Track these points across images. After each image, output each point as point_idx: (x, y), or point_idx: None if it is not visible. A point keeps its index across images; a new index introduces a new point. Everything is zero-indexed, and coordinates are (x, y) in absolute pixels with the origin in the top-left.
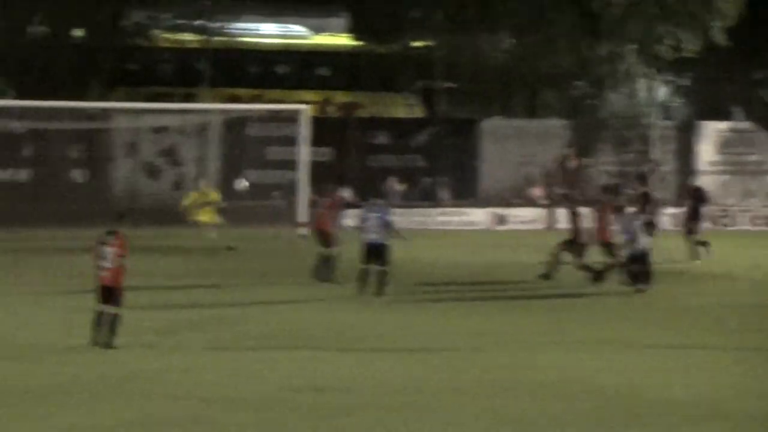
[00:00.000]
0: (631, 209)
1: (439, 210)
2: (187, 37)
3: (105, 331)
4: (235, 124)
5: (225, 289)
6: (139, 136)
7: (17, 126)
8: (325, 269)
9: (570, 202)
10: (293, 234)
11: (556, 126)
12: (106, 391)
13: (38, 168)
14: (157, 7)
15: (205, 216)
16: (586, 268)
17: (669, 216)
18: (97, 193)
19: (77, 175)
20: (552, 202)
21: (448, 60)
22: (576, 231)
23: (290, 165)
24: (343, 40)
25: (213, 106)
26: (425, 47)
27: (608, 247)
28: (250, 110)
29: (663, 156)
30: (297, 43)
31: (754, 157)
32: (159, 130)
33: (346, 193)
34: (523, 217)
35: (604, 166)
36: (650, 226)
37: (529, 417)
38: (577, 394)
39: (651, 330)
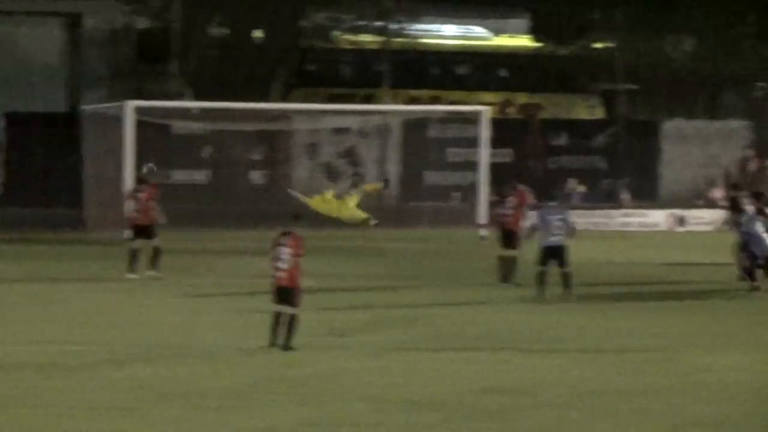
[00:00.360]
0: None
1: (620, 211)
2: (367, 38)
3: (283, 332)
4: (415, 126)
5: (401, 291)
6: (318, 138)
7: (197, 127)
8: (506, 270)
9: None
10: (473, 235)
11: (738, 127)
12: (282, 393)
13: (217, 169)
14: (338, 9)
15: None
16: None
17: None
18: (275, 195)
19: (256, 176)
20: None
21: (629, 61)
22: None
23: (470, 166)
24: (523, 41)
25: (393, 108)
26: (606, 48)
27: None
28: (430, 111)
29: None
30: (477, 45)
31: None
32: (339, 132)
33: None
34: (704, 218)
35: None
36: None
37: (709, 420)
38: (762, 397)
39: None
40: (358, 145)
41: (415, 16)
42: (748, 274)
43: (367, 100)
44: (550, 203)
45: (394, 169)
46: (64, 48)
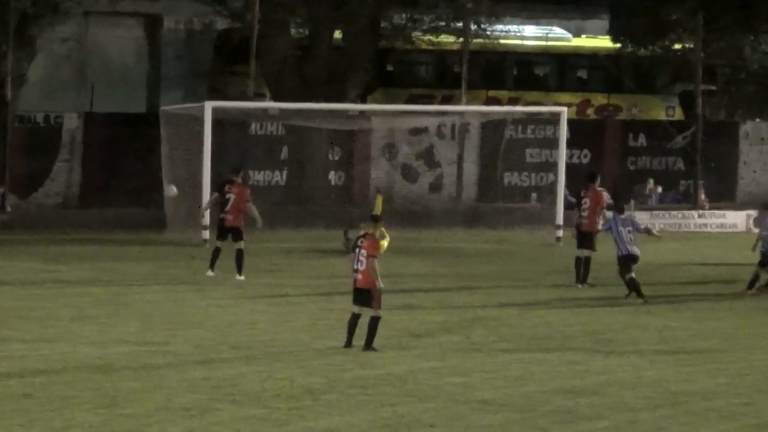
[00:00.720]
0: None
1: (697, 212)
2: (447, 38)
3: (365, 333)
4: (493, 126)
5: (477, 292)
6: (396, 138)
7: (275, 127)
8: (581, 271)
9: None
10: (550, 236)
11: None
12: (359, 393)
13: (295, 169)
14: (417, 9)
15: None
16: None
17: None
18: (352, 195)
19: (333, 176)
20: None
21: (707, 62)
22: None
23: (548, 167)
24: (603, 42)
25: (471, 108)
26: (685, 49)
27: None
28: (508, 112)
29: None
30: (557, 45)
31: None
32: (416, 132)
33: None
34: None
35: None
36: None
37: None
38: None
39: None
40: (436, 145)
41: (495, 17)
42: None
43: (446, 100)
44: (620, 216)
45: (471, 169)
46: (144, 48)
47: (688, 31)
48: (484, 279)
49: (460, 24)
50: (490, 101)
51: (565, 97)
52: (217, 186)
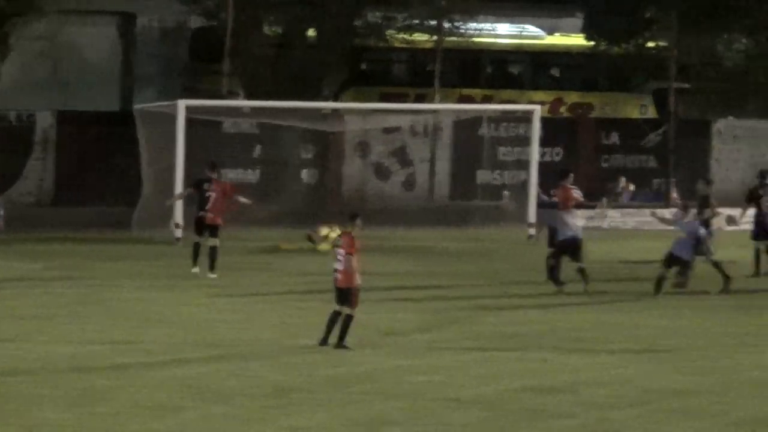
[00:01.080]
0: None
1: (669, 211)
2: (421, 37)
3: (338, 331)
4: (466, 125)
5: (450, 290)
6: (369, 137)
7: (248, 126)
8: (552, 269)
9: None
10: (523, 234)
11: None
12: (329, 392)
13: (268, 168)
14: (391, 7)
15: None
16: None
17: None
18: (325, 194)
19: (306, 175)
20: None
21: (681, 60)
22: None
23: (521, 165)
24: (576, 40)
25: (445, 106)
26: (659, 48)
27: None
28: (482, 110)
29: None
30: (530, 43)
31: None
32: (390, 131)
33: (576, 192)
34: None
35: None
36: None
37: (758, 418)
38: None
39: None
40: (409, 144)
41: (469, 15)
42: None
43: (420, 99)
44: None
45: (444, 168)
46: (118, 47)
47: (662, 29)
48: (456, 277)
49: (434, 22)
50: (463, 99)
51: (539, 95)
52: (194, 183)
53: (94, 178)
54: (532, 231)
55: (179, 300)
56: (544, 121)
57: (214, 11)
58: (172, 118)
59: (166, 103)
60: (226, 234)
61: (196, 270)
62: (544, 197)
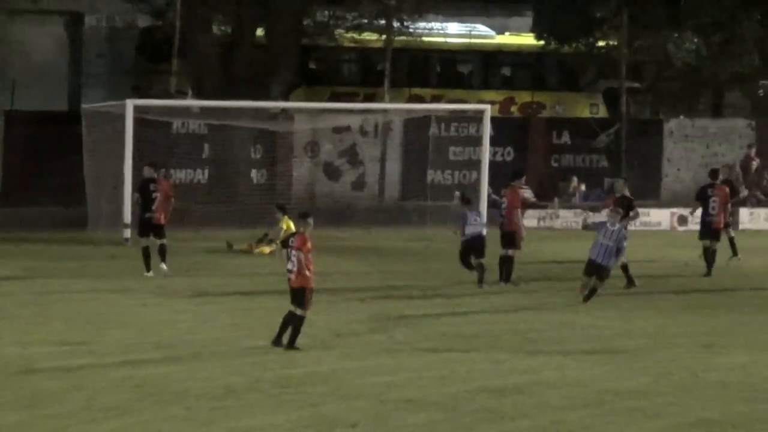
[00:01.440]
0: None
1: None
2: (370, 36)
3: (290, 331)
4: (417, 124)
5: (401, 290)
6: (319, 136)
7: (197, 126)
8: (504, 270)
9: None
10: None
11: (741, 126)
12: (282, 392)
13: (217, 168)
14: (340, 7)
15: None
16: None
17: None
18: (275, 194)
19: (256, 175)
20: (735, 203)
21: (632, 60)
22: None
23: (472, 165)
24: (526, 39)
25: (394, 106)
26: (609, 47)
27: None
28: (432, 110)
29: None
30: (480, 43)
31: None
32: (339, 131)
33: (528, 193)
34: None
35: None
36: None
37: (710, 420)
38: (760, 395)
39: None
40: (359, 143)
41: (418, 14)
42: None
43: (369, 98)
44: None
45: (394, 167)
46: (66, 46)
47: (612, 28)
48: (407, 278)
49: (384, 21)
50: (413, 99)
51: (489, 94)
52: (139, 186)
53: (43, 178)
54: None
55: (132, 301)
56: (495, 120)
57: (163, 10)
58: (120, 118)
59: (114, 102)
60: (177, 235)
61: (150, 275)
62: (496, 197)
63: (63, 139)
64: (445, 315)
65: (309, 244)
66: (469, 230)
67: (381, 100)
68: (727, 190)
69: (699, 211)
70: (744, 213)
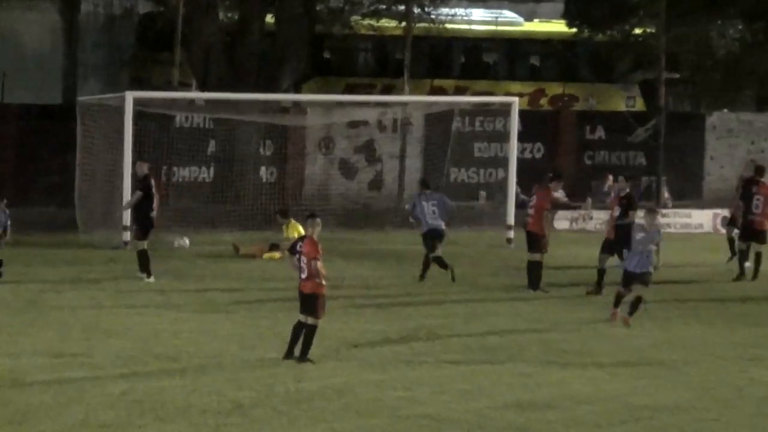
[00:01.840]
0: None
1: (660, 211)
2: (388, 23)
3: (302, 342)
4: (438, 119)
5: (422, 297)
6: (333, 132)
7: (202, 120)
8: (531, 277)
9: None
10: (500, 237)
11: None
12: (293, 408)
13: (223, 165)
14: None
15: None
16: None
17: None
18: (286, 193)
19: (265, 173)
20: None
21: (671, 49)
22: None
23: (499, 162)
24: (557, 26)
25: (415, 99)
26: (646, 35)
27: None
28: (455, 103)
29: None
30: (507, 30)
31: None
32: (355, 125)
33: (559, 193)
34: None
35: None
36: None
37: None
38: None
39: None
40: (377, 139)
41: (440, 0)
42: None
43: (387, 90)
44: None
45: (415, 165)
46: (60, 35)
47: (650, 15)
48: (428, 284)
49: (403, 7)
50: (434, 91)
51: (517, 86)
52: (143, 185)
53: (34, 176)
54: (511, 234)
55: (131, 309)
56: (523, 114)
57: None
58: (119, 112)
59: (112, 95)
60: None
61: (151, 280)
62: (524, 197)
63: (57, 134)
64: (469, 324)
65: (319, 248)
66: (430, 222)
67: (400, 92)
68: None
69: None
70: None
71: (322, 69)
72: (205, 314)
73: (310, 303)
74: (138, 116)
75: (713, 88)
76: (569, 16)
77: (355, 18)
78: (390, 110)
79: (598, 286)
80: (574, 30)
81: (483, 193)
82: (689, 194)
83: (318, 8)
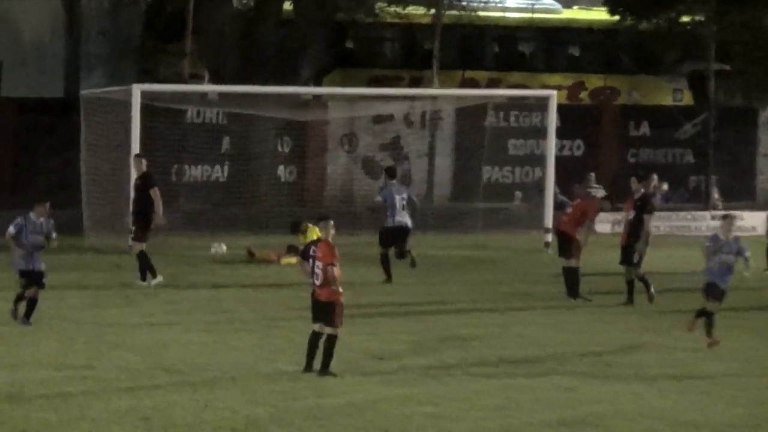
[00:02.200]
0: None
1: (710, 213)
2: (415, 10)
3: (322, 354)
4: (470, 113)
5: (452, 306)
6: (356, 127)
7: (214, 115)
8: (569, 284)
9: None
10: (538, 241)
11: None
12: (312, 425)
13: (237, 164)
14: None
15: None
16: None
17: None
18: (305, 193)
19: (283, 172)
20: None
21: (721, 38)
22: None
23: (535, 160)
24: (598, 14)
25: (444, 92)
26: (695, 23)
27: None
28: (488, 96)
29: None
30: (545, 18)
31: None
32: (380, 120)
33: (600, 193)
34: None
35: None
36: None
37: None
38: None
39: None
40: (403, 135)
41: None
42: None
43: (415, 83)
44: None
45: (445, 163)
46: (61, 23)
47: (699, 1)
48: (459, 291)
49: None
50: (466, 84)
51: (555, 78)
52: (145, 181)
53: (34, 174)
54: (549, 237)
55: (138, 318)
56: (562, 108)
57: None
58: (125, 106)
59: (118, 88)
60: (191, 242)
61: (160, 279)
62: (564, 198)
63: (58, 129)
64: (504, 334)
65: (336, 252)
66: (398, 218)
67: (429, 85)
68: None
69: None
70: None
71: (344, 60)
72: (218, 324)
73: (327, 312)
74: (146, 111)
75: (766, 80)
76: (611, 3)
77: (380, 4)
78: (418, 104)
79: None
80: (617, 17)
81: (518, 194)
82: (741, 194)
83: None
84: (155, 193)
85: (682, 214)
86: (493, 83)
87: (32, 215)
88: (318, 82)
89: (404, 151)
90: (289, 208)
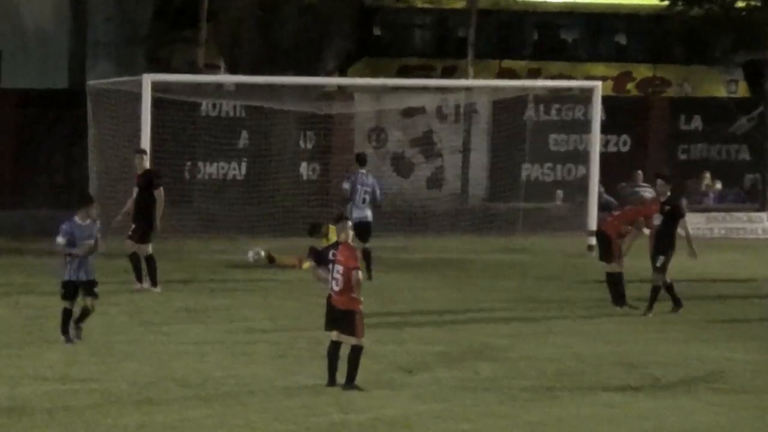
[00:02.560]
0: None
1: (766, 214)
2: None
3: (347, 367)
4: (508, 106)
5: (487, 314)
6: (385, 121)
7: (231, 108)
8: (613, 291)
9: None
10: (580, 244)
11: None
12: None
13: (256, 160)
14: None
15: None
16: None
17: None
18: (329, 194)
19: (306, 169)
20: None
21: None
22: None
23: (578, 157)
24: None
25: (480, 83)
26: (751, 8)
27: None
28: (527, 88)
29: None
30: (588, 3)
31: None
32: (411, 114)
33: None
34: None
35: None
36: None
37: None
38: None
39: None
40: (436, 130)
41: None
42: None
43: (448, 73)
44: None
45: (480, 160)
46: (66, 9)
47: None
48: (495, 298)
49: None
50: (503, 74)
51: (599, 68)
52: (160, 181)
53: (37, 172)
54: (592, 240)
55: (148, 327)
56: (607, 101)
57: None
58: (135, 98)
59: (126, 78)
60: (206, 245)
61: (147, 286)
62: (609, 198)
63: (63, 123)
64: (542, 345)
65: (358, 254)
66: (356, 213)
67: (463, 75)
68: None
69: None
70: None
71: (371, 48)
72: (236, 334)
73: (347, 321)
74: (157, 103)
75: None
76: None
77: None
78: (451, 96)
79: (675, 303)
80: (666, 2)
81: (560, 193)
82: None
83: None
84: (159, 194)
85: (737, 215)
86: (532, 74)
87: (77, 218)
88: (343, 73)
89: (437, 146)
90: (312, 208)
